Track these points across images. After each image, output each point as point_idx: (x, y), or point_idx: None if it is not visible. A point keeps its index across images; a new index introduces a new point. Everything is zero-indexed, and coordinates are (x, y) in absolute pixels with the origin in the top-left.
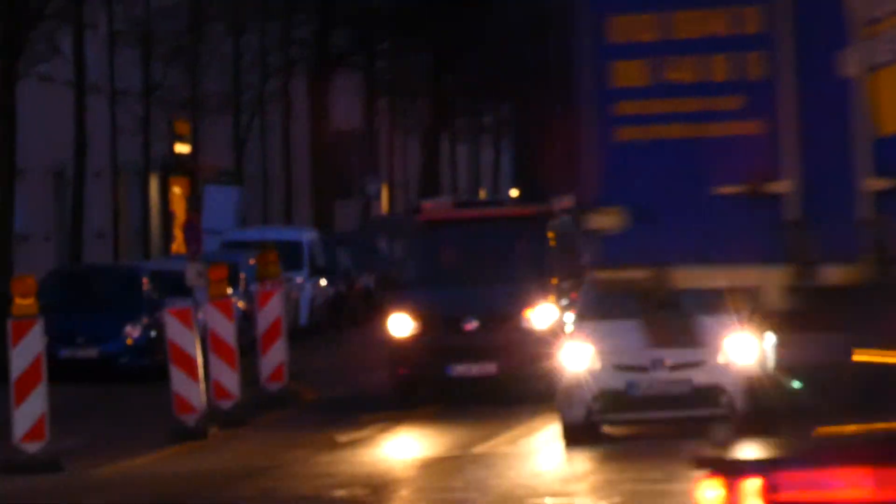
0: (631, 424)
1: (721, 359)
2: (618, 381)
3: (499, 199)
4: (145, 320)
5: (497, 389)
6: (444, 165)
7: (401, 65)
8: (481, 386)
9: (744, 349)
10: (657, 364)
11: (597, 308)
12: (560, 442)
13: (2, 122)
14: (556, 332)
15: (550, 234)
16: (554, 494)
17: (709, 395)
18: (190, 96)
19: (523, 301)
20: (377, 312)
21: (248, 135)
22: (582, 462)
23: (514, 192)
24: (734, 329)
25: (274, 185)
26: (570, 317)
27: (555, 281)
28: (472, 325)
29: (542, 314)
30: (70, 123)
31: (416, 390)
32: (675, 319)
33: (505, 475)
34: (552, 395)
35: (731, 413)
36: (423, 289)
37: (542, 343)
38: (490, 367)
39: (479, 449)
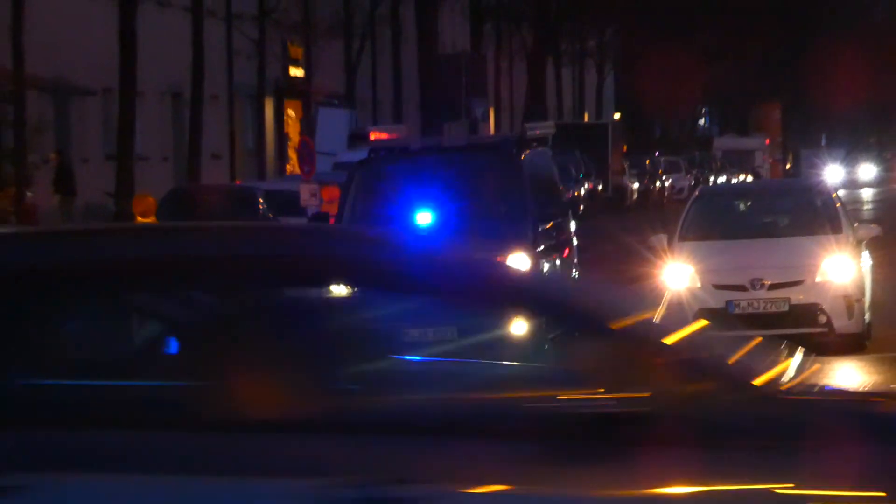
0: None
1: (819, 278)
2: (717, 300)
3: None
4: None
5: None
6: (549, 89)
7: None
8: None
9: (842, 269)
10: (756, 283)
11: (697, 229)
12: None
13: (122, 46)
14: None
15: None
16: None
17: (806, 313)
18: (303, 20)
19: (488, 247)
20: None
21: (359, 59)
22: None
23: (616, 116)
24: (832, 249)
25: (384, 108)
26: (547, 265)
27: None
28: None
29: (514, 263)
30: (187, 47)
31: None
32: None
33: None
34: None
35: (830, 331)
36: None
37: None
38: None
39: None
